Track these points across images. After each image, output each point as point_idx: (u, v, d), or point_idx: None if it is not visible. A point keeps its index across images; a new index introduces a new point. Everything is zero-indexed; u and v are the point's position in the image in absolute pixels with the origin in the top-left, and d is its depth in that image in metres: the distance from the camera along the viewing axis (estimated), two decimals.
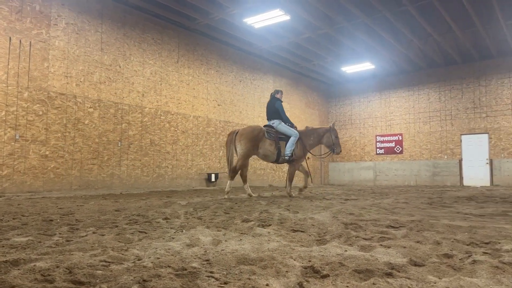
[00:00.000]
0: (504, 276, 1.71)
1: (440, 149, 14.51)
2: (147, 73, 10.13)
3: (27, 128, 7.77)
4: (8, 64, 7.56)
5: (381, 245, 2.45)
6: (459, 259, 2.07)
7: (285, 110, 7.46)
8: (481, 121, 13.76)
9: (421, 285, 1.61)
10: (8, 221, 3.53)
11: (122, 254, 2.17)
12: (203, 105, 11.65)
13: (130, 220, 3.66)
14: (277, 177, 14.35)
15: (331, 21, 10.73)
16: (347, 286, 1.62)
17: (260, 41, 12.15)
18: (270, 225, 3.33)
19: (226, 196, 6.69)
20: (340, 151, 7.75)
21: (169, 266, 1.89)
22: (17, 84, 7.66)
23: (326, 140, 7.65)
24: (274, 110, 7.34)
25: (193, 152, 11.20)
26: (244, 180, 7.28)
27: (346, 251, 2.27)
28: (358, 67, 14.19)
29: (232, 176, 6.96)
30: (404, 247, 2.34)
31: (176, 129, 10.76)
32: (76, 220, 3.67)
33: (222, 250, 2.27)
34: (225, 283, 1.66)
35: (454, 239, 2.61)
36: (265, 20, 10.03)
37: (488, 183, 13.33)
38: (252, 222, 3.46)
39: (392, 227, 3.24)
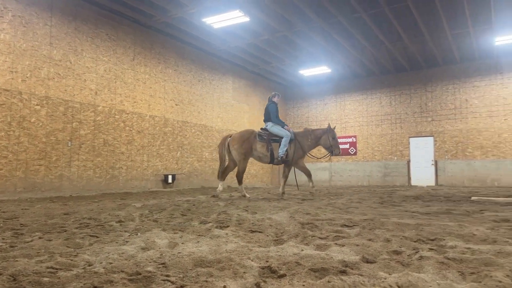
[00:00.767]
0: (449, 271, 1.82)
1: (391, 150, 15.25)
2: (100, 70, 9.71)
3: None
4: None
5: (336, 243, 2.52)
6: (407, 255, 2.18)
7: (273, 112, 7.51)
8: (427, 125, 14.64)
9: (372, 281, 1.68)
10: None
11: (71, 260, 2.06)
12: (160, 105, 11.38)
13: (81, 224, 3.48)
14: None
15: (289, 24, 10.92)
16: (303, 285, 1.65)
17: (220, 41, 12.10)
18: (228, 226, 3.32)
19: (215, 196, 7.23)
20: (339, 153, 7.71)
21: (122, 271, 1.82)
22: None
23: (323, 141, 7.63)
24: (267, 112, 7.59)
25: (149, 153, 10.90)
26: (223, 179, 7.61)
27: (302, 250, 2.31)
28: (315, 70, 14.55)
29: (239, 182, 7.48)
30: (357, 245, 2.43)
31: (131, 129, 10.42)
32: (21, 224, 3.43)
33: (179, 252, 2.23)
34: (182, 286, 1.63)
35: (402, 236, 2.75)
36: (224, 21, 9.99)
37: (433, 183, 14.21)
38: (210, 224, 3.43)
39: (346, 226, 3.35)
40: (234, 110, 14.58)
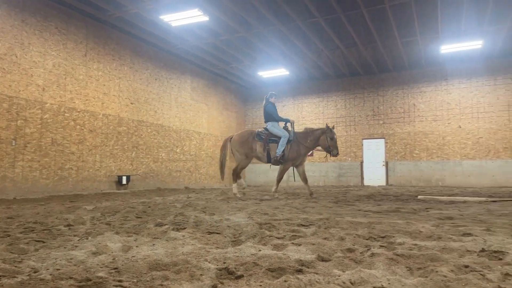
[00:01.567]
0: (398, 267, 1.91)
1: (345, 152, 15.79)
2: (49, 65, 9.17)
3: None
4: None
5: (292, 243, 2.56)
6: (360, 253, 2.26)
7: (273, 112, 7.54)
8: (379, 127, 15.34)
9: (327, 279, 1.72)
10: None
11: (15, 266, 1.92)
12: (114, 103, 10.96)
13: (26, 228, 3.26)
14: (194, 179, 14.16)
15: (248, 25, 10.97)
16: (260, 285, 1.65)
17: (178, 40, 11.88)
18: (185, 228, 3.26)
19: (238, 195, 7.44)
20: (337, 154, 7.55)
21: (71, 278, 1.73)
22: None
23: (322, 142, 7.56)
24: (266, 113, 7.63)
25: (102, 153, 10.46)
26: (239, 177, 7.77)
27: (260, 250, 2.32)
28: (273, 72, 14.72)
29: (235, 179, 7.71)
30: (313, 244, 2.48)
31: (82, 128, 9.93)
32: None
33: (133, 256, 2.15)
34: None
35: (356, 234, 2.85)
36: (183, 19, 9.83)
37: (384, 183, 14.90)
38: (166, 226, 3.35)
39: (303, 225, 3.41)
40: (192, 109, 14.38)
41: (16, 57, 8.45)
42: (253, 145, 7.49)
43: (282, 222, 3.55)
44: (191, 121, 14.29)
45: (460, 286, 1.58)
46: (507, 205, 5.43)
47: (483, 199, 6.49)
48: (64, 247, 2.46)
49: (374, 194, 8.36)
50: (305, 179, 7.74)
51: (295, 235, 2.87)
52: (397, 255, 2.13)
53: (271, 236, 2.85)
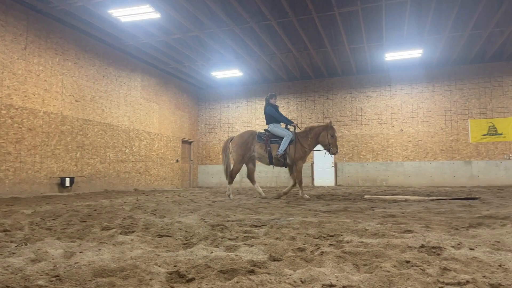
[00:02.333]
0: (346, 264, 1.99)
1: None
2: None
3: None
4: None
5: (245, 244, 2.56)
6: (310, 252, 2.32)
7: (274, 113, 7.59)
8: None
9: (279, 279, 1.74)
10: None
11: None
12: (57, 100, 10.30)
13: None
14: (144, 181, 13.72)
15: (202, 25, 10.85)
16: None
17: (128, 36, 11.46)
18: (133, 231, 3.14)
19: (231, 197, 7.42)
20: (337, 152, 7.52)
21: (8, 287, 1.59)
22: None
23: (322, 139, 7.45)
24: (267, 115, 7.67)
25: (42, 153, 9.79)
26: (252, 181, 7.88)
27: (212, 252, 2.30)
28: (227, 73, 14.70)
29: (230, 181, 7.65)
30: (265, 244, 2.50)
31: (21, 126, 9.23)
32: None
33: (76, 263, 2.03)
34: None
35: (306, 234, 2.92)
36: (133, 15, 9.49)
37: (333, 183, 15.45)
38: (114, 230, 3.21)
39: (255, 226, 3.43)
40: (142, 109, 13.93)
41: None
42: (252, 147, 7.51)
43: (234, 223, 3.55)
44: (141, 121, 13.84)
45: (402, 281, 1.67)
46: (443, 203, 5.87)
47: (422, 198, 6.96)
48: (0, 254, 2.27)
49: (324, 194, 8.63)
50: (294, 180, 7.60)
51: (248, 236, 2.88)
52: (345, 252, 2.22)
53: (224, 237, 2.83)
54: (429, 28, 10.92)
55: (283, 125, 7.74)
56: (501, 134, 13.70)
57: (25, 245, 2.58)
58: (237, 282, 1.65)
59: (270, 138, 7.50)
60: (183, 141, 16.63)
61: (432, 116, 14.52)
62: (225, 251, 2.38)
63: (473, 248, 2.32)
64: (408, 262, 1.98)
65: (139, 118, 13.70)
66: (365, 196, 7.72)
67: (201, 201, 6.70)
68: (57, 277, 1.77)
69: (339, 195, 8.27)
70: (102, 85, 11.97)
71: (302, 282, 1.70)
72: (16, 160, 9.06)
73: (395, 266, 1.92)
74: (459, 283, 1.63)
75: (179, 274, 1.81)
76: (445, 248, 2.29)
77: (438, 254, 2.19)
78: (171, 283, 1.70)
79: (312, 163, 15.82)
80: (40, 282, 1.68)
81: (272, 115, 7.61)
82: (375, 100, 15.31)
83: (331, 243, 2.57)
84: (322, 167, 15.75)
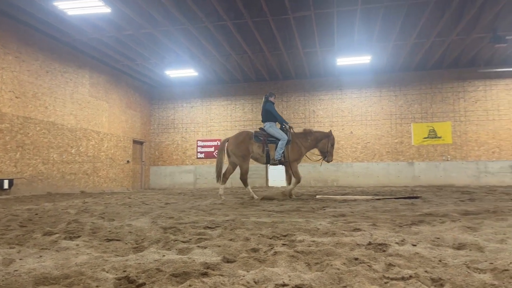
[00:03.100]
0: (298, 263, 2.03)
1: None
2: None
3: None
4: None
5: (198, 246, 2.53)
6: (264, 252, 2.34)
7: (274, 111, 7.62)
8: None
9: (232, 280, 1.73)
10: None
11: None
12: None
13: None
14: (91, 182, 13.07)
15: (155, 22, 10.56)
16: None
17: (75, 30, 10.86)
18: (79, 236, 2.98)
19: (222, 198, 7.23)
20: (331, 160, 7.81)
21: None
22: None
23: (321, 145, 7.68)
24: (266, 112, 7.58)
25: None
26: (224, 182, 7.85)
27: (164, 256, 2.24)
28: (182, 72, 14.45)
29: (223, 181, 7.69)
30: (219, 246, 2.49)
31: None
32: None
33: (15, 271, 1.88)
34: None
35: (260, 234, 2.94)
36: (81, 8, 9.00)
37: (286, 184, 15.70)
38: (57, 235, 3.02)
39: (209, 227, 3.40)
40: (91, 107, 13.28)
41: None
42: (250, 147, 7.43)
43: (188, 226, 3.49)
44: (89, 120, 13.18)
45: (351, 277, 1.73)
46: (389, 202, 6.19)
47: (370, 197, 7.29)
48: None
49: (278, 195, 8.73)
50: (290, 180, 7.74)
51: (201, 238, 2.84)
52: (297, 252, 2.26)
53: (176, 240, 2.77)
54: (377, 35, 11.48)
55: (278, 125, 7.79)
56: (440, 137, 14.74)
57: None
58: (189, 286, 1.62)
59: (267, 138, 7.49)
60: (135, 141, 16.09)
61: (379, 120, 15.28)
62: (177, 254, 2.33)
63: (415, 244, 2.47)
64: (356, 259, 2.06)
65: (87, 116, 13.03)
66: (317, 196, 7.95)
67: (153, 203, 6.51)
68: None
69: (292, 195, 8.41)
70: (46, 81, 11.24)
71: (255, 282, 1.70)
72: None
73: (344, 263, 1.99)
74: (402, 278, 1.72)
75: (128, 279, 1.74)
76: (390, 245, 2.41)
77: (384, 251, 2.30)
78: None
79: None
80: None
81: (271, 112, 7.63)
82: (327, 103, 15.81)
83: (284, 243, 2.61)
84: (276, 168, 15.91)
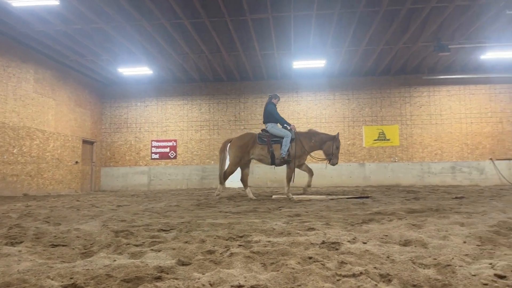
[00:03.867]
0: (254, 264, 2.03)
1: (209, 155, 16.11)
2: None
3: None
4: None
5: (152, 249, 2.46)
6: (220, 254, 2.32)
7: (275, 112, 7.72)
8: (240, 132, 16.13)
9: (187, 283, 1.70)
10: None
11: None
12: None
13: None
14: (35, 184, 12.25)
15: (108, 17, 10.14)
16: None
17: (19, 22, 10.14)
18: (22, 242, 2.78)
19: (217, 197, 7.43)
20: (337, 163, 7.79)
21: None
22: None
23: (327, 147, 7.71)
24: (267, 113, 7.65)
25: None
26: (245, 185, 7.94)
27: (115, 260, 2.15)
28: (136, 70, 13.99)
29: (221, 182, 7.72)
30: (174, 249, 2.43)
31: None
32: None
33: None
34: None
35: (216, 235, 2.92)
36: (26, 0, 8.45)
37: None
38: None
39: (164, 230, 3.31)
40: (35, 104, 12.45)
41: None
42: (252, 150, 7.51)
43: (141, 228, 3.38)
44: (34, 118, 12.36)
45: (305, 276, 1.77)
46: (341, 202, 6.41)
47: (324, 197, 7.51)
48: None
49: (234, 196, 8.76)
50: (310, 171, 7.92)
51: (155, 241, 2.77)
52: (253, 252, 2.27)
53: (129, 244, 2.68)
54: (331, 41, 11.86)
55: (279, 125, 7.81)
56: (389, 140, 15.53)
57: None
58: None
59: (271, 139, 7.50)
60: (84, 141, 15.32)
61: (333, 122, 15.79)
62: (129, 258, 2.25)
63: (365, 242, 2.57)
64: (310, 258, 2.11)
65: (31, 114, 12.21)
66: (273, 197, 8.04)
67: (103, 206, 6.24)
68: None
69: (248, 196, 8.45)
70: None
71: (211, 285, 1.68)
72: None
73: (299, 262, 2.02)
74: (354, 275, 1.78)
75: (75, 286, 1.65)
76: (342, 243, 2.50)
77: (337, 249, 2.38)
78: None
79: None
80: None
81: (273, 114, 7.69)
82: (283, 105, 16.06)
83: (240, 243, 2.61)
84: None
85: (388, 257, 2.13)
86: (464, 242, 2.52)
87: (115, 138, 16.51)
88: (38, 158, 12.47)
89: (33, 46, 11.86)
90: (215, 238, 2.81)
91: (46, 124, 12.90)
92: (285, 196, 7.92)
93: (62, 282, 1.74)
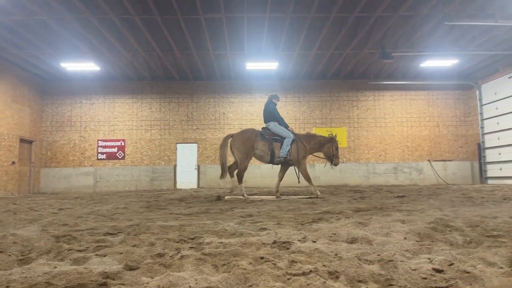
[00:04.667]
0: (205, 266, 2.01)
1: (159, 155, 15.69)
2: None
3: None
4: None
5: (96, 254, 2.34)
6: (170, 256, 2.27)
7: (277, 113, 7.83)
8: (192, 132, 15.94)
9: None
10: None
11: None
12: None
13: None
14: None
15: (50, 8, 9.52)
16: None
17: None
18: None
19: (245, 195, 7.53)
20: (339, 163, 7.97)
21: None
22: None
23: (326, 149, 7.87)
24: (268, 112, 7.74)
25: None
26: (231, 175, 7.87)
27: (55, 267, 2.02)
28: (81, 65, 13.27)
29: (223, 176, 7.71)
30: (121, 253, 2.33)
31: None
32: None
33: None
34: None
35: (166, 238, 2.84)
36: None
37: (195, 186, 15.55)
38: None
39: (110, 234, 3.17)
40: None
41: None
42: (256, 144, 7.52)
43: (85, 233, 3.21)
44: None
45: (257, 276, 1.78)
46: (293, 202, 6.55)
47: (276, 197, 7.62)
48: None
49: (186, 197, 8.61)
50: (281, 178, 8.22)
51: (100, 246, 2.64)
52: (205, 254, 2.24)
53: (71, 249, 2.53)
54: (283, 44, 12.08)
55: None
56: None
57: None
58: None
59: (272, 137, 7.53)
60: (22, 140, 14.22)
61: None
62: (72, 265, 2.12)
63: (315, 240, 2.65)
64: (262, 258, 2.13)
65: None
66: (226, 197, 8.01)
67: (43, 210, 5.84)
68: None
69: (201, 197, 8.37)
70: None
71: None
72: None
73: (251, 263, 2.03)
74: (303, 273, 1.82)
75: None
76: (293, 242, 2.55)
77: (288, 248, 2.42)
78: None
79: (175, 166, 15.61)
80: None
81: (274, 113, 7.77)
82: (237, 106, 16.09)
83: (192, 246, 2.57)
84: (184, 170, 15.68)
85: (336, 255, 2.20)
86: (405, 239, 2.68)
87: (57, 137, 15.53)
88: None
89: None
90: (165, 241, 2.74)
91: None
92: (236, 197, 7.94)
93: None
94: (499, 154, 14.62)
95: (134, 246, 2.60)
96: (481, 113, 15.43)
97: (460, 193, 8.01)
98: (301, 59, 13.77)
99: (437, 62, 13.71)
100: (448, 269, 1.85)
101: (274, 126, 7.77)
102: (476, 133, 15.87)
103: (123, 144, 15.60)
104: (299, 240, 2.64)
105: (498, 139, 14.60)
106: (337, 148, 7.99)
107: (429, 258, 2.04)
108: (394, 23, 10.84)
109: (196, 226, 3.46)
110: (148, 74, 15.04)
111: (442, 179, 15.61)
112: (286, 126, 7.87)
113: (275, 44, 12.19)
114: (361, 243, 2.56)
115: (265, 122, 7.98)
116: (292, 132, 7.79)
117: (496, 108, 14.67)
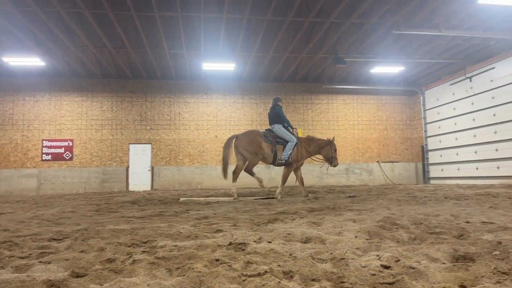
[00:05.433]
0: (159, 270, 1.95)
1: (110, 156, 15.06)
2: None
3: None
4: None
5: (40, 261, 2.20)
6: (121, 262, 2.18)
7: (284, 116, 7.92)
8: (146, 133, 15.48)
9: None
10: None
11: None
12: None
13: None
14: None
15: None
16: None
17: None
18: None
19: (236, 195, 7.70)
20: (337, 164, 8.21)
21: None
22: None
23: (326, 152, 8.08)
24: (275, 115, 7.80)
25: None
26: (235, 180, 7.96)
27: None
28: (24, 60, 12.41)
29: (225, 176, 7.85)
30: (67, 260, 2.21)
31: None
32: None
33: None
34: None
35: (117, 242, 2.73)
36: None
37: (149, 188, 15.10)
38: None
39: (55, 239, 2.99)
40: None
41: None
42: (261, 145, 7.57)
43: (27, 239, 3.00)
44: None
45: (212, 279, 1.76)
46: (249, 203, 6.57)
47: (232, 199, 7.61)
48: None
49: (139, 199, 8.33)
50: (301, 182, 8.16)
51: (45, 252, 2.48)
52: (158, 258, 2.18)
53: (12, 256, 2.35)
54: (240, 45, 12.11)
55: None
56: None
57: None
58: None
59: (276, 139, 7.68)
60: None
61: (242, 125, 16.12)
62: (13, 273, 1.97)
63: (270, 241, 2.67)
64: (217, 260, 2.11)
65: None
66: (181, 199, 7.87)
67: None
68: None
69: (155, 200, 8.14)
70: None
71: None
72: None
73: (206, 265, 2.01)
74: (259, 274, 1.83)
75: None
76: (249, 243, 2.55)
77: (243, 250, 2.42)
78: None
79: (128, 167, 15.07)
80: None
81: (281, 116, 7.84)
82: (192, 106, 15.87)
83: (144, 250, 2.49)
84: (138, 172, 15.19)
85: (290, 255, 2.24)
86: (356, 237, 2.79)
87: None
88: None
89: None
90: (116, 245, 2.63)
91: None
92: (192, 199, 7.83)
93: None
94: (441, 156, 15.71)
95: (81, 251, 2.47)
96: (425, 118, 16.50)
97: (405, 193, 8.49)
98: (258, 61, 13.88)
99: (386, 68, 14.45)
100: (395, 265, 1.95)
101: (278, 128, 7.89)
102: (420, 136, 16.94)
103: (71, 144, 14.79)
104: (254, 241, 2.65)
105: (440, 142, 15.69)
106: (335, 150, 8.27)
107: (377, 255, 2.14)
108: (346, 30, 11.27)
109: (149, 229, 3.36)
110: (99, 71, 14.40)
111: (390, 180, 16.45)
112: (292, 128, 8.05)
113: (232, 45, 12.18)
114: (315, 243, 2.62)
115: (270, 124, 8.12)
116: (296, 136, 7.99)
117: (438, 113, 15.75)
